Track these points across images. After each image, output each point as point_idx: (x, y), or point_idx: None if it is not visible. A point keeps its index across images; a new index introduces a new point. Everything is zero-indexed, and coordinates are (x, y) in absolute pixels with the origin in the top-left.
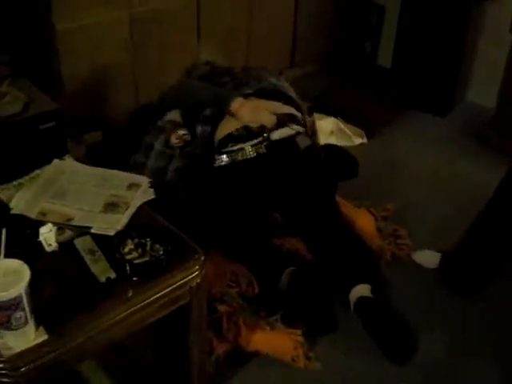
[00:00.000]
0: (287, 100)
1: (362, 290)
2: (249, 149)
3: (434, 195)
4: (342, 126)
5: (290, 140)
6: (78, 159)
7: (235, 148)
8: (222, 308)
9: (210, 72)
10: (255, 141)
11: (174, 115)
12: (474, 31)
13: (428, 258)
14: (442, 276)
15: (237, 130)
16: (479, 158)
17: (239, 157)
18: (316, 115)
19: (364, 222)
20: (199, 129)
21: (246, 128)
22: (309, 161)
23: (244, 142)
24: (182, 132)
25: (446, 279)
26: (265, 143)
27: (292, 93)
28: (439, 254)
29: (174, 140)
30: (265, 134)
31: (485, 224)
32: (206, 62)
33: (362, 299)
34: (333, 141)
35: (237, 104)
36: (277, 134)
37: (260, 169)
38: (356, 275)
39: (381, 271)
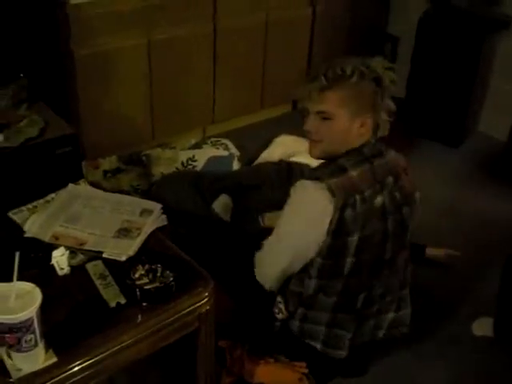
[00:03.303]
0: None
1: None
2: None
3: (442, 225)
4: None
5: None
6: (92, 184)
7: None
8: (221, 343)
9: None
10: None
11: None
12: (486, 62)
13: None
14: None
15: None
16: (489, 188)
17: None
18: None
19: None
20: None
21: None
22: None
23: None
24: None
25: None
26: None
27: None
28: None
29: None
30: None
31: None
32: None
33: None
34: None
35: None
36: None
37: None
38: None
39: None
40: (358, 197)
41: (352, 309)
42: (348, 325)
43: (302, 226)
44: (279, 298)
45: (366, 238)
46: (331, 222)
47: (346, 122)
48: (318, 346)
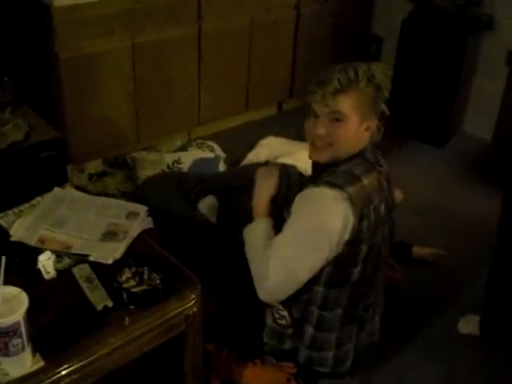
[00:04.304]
0: None
1: None
2: None
3: (430, 224)
4: None
5: None
6: (78, 188)
7: None
8: (209, 346)
9: None
10: None
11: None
12: (469, 63)
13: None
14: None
15: None
16: (475, 187)
17: None
18: None
19: None
20: None
21: None
22: None
23: None
24: None
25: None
26: None
27: None
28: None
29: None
30: None
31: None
32: None
33: None
34: None
35: None
36: None
37: None
38: None
39: None
40: (371, 206)
41: (356, 317)
42: (353, 335)
43: (318, 238)
44: (279, 306)
45: (373, 247)
46: (350, 233)
47: (356, 125)
48: (328, 370)
